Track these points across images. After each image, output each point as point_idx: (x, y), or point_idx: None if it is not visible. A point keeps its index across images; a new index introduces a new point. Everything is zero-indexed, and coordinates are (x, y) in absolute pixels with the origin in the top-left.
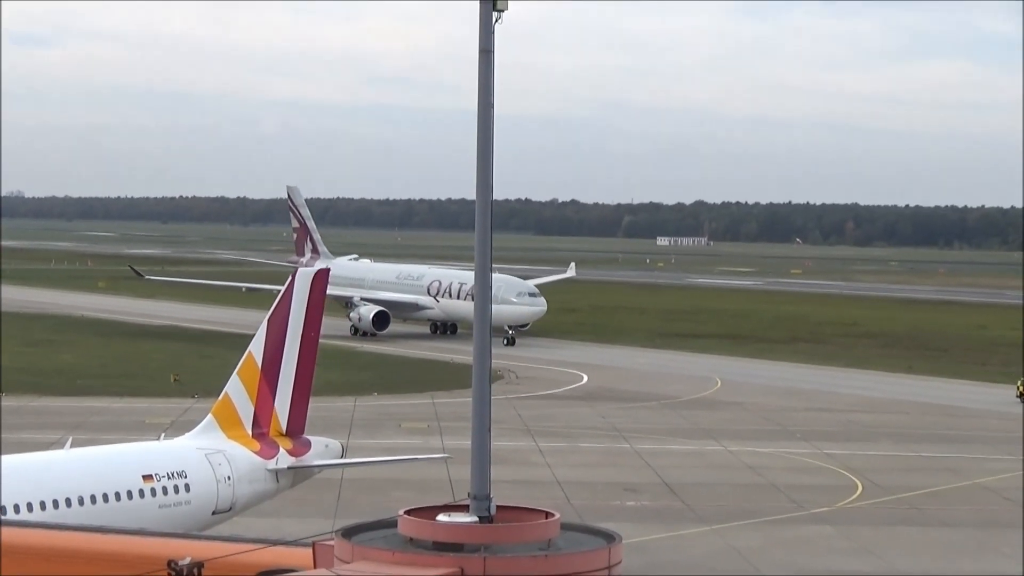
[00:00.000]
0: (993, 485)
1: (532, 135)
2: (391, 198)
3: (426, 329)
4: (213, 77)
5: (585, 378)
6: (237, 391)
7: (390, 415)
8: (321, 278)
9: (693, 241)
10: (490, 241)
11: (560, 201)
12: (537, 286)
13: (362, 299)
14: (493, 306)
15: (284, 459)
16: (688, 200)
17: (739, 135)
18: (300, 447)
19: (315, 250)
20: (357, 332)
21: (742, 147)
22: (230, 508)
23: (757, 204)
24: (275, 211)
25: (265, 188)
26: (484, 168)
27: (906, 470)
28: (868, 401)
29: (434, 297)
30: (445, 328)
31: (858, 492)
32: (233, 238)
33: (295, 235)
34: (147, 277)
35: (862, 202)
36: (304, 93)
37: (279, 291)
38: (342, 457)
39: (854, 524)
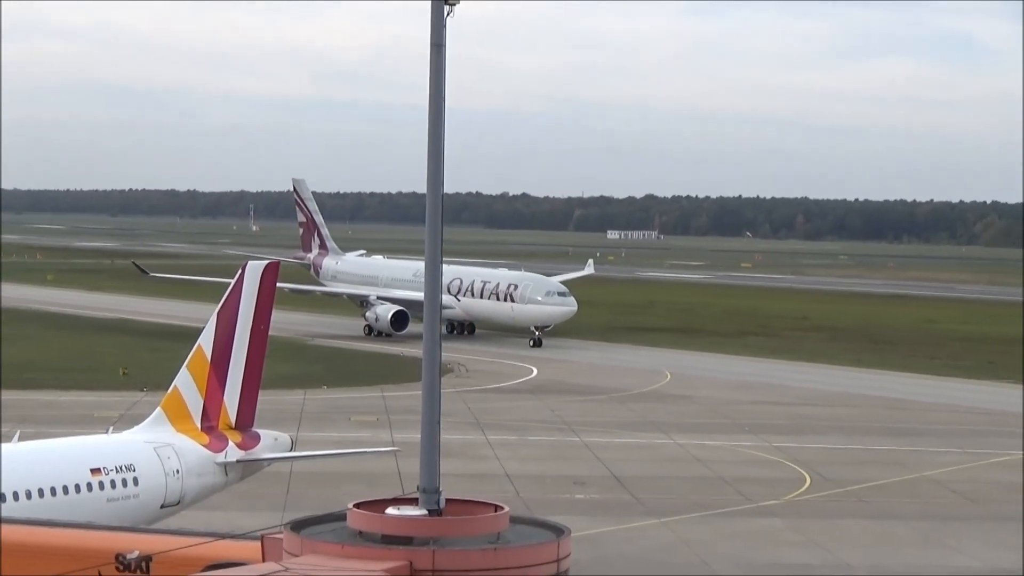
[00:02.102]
0: (940, 478)
1: (483, 129)
2: (342, 191)
3: (442, 329)
4: (164, 72)
5: (535, 371)
6: (186, 384)
7: (340, 408)
8: (271, 271)
9: (643, 235)
10: (440, 234)
11: (511, 195)
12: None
13: (379, 298)
14: (520, 305)
15: (233, 452)
16: (638, 194)
17: (690, 130)
18: (249, 440)
19: (323, 245)
20: (372, 332)
21: (693, 142)
22: (179, 502)
23: (708, 198)
24: (225, 204)
25: (215, 181)
26: (435, 162)
27: (854, 463)
28: (817, 394)
29: (454, 296)
30: (463, 328)
31: (806, 485)
32: (183, 231)
33: (301, 230)
34: (152, 274)
35: (812, 196)
36: (255, 88)
37: (295, 289)
38: (291, 450)
39: (802, 517)
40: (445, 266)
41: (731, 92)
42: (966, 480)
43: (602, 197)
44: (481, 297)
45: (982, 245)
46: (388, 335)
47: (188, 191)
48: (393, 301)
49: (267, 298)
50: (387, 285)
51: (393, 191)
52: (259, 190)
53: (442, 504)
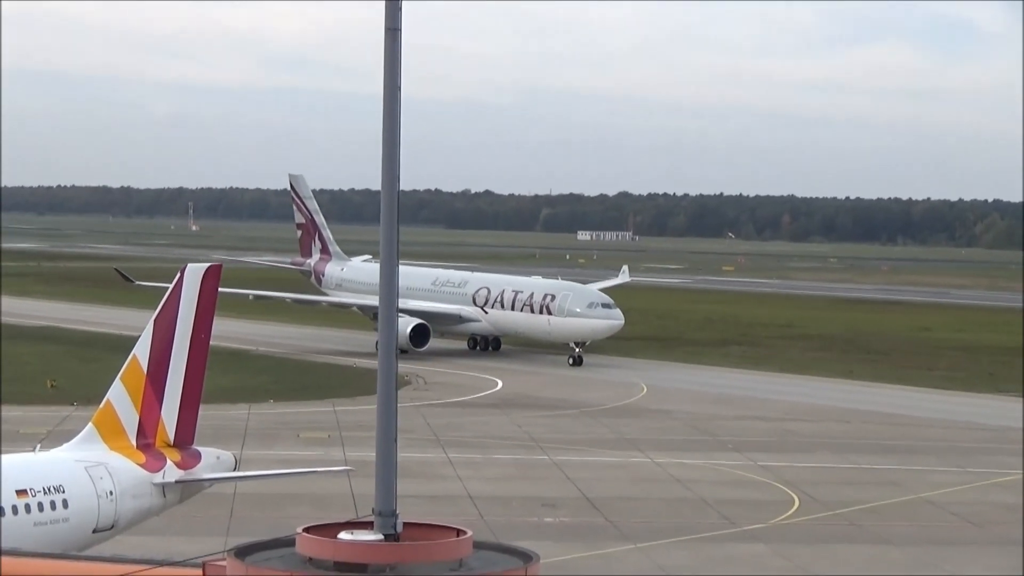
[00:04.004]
0: (938, 499)
1: (443, 121)
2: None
3: (463, 344)
4: (95, 57)
5: (500, 384)
6: (120, 398)
7: (287, 424)
8: (213, 275)
9: (617, 235)
10: (396, 235)
11: (473, 192)
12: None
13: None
14: (558, 318)
15: (171, 472)
16: (611, 191)
17: (666, 123)
18: (189, 459)
19: (325, 250)
20: None
21: (670, 135)
22: (112, 526)
23: (686, 196)
24: (162, 202)
25: (151, 177)
26: (390, 156)
27: (845, 483)
28: (805, 408)
29: (481, 307)
30: (487, 343)
31: (794, 507)
32: (117, 231)
33: (299, 232)
34: (137, 283)
35: (799, 194)
36: (194, 75)
37: (299, 299)
38: (235, 470)
39: (789, 541)
40: (468, 275)
41: (711, 82)
42: (966, 502)
43: (572, 195)
44: (512, 309)
45: (983, 247)
46: (404, 351)
47: (122, 187)
48: (411, 313)
49: (208, 304)
50: (402, 295)
51: (345, 188)
52: (199, 187)
53: (399, 528)
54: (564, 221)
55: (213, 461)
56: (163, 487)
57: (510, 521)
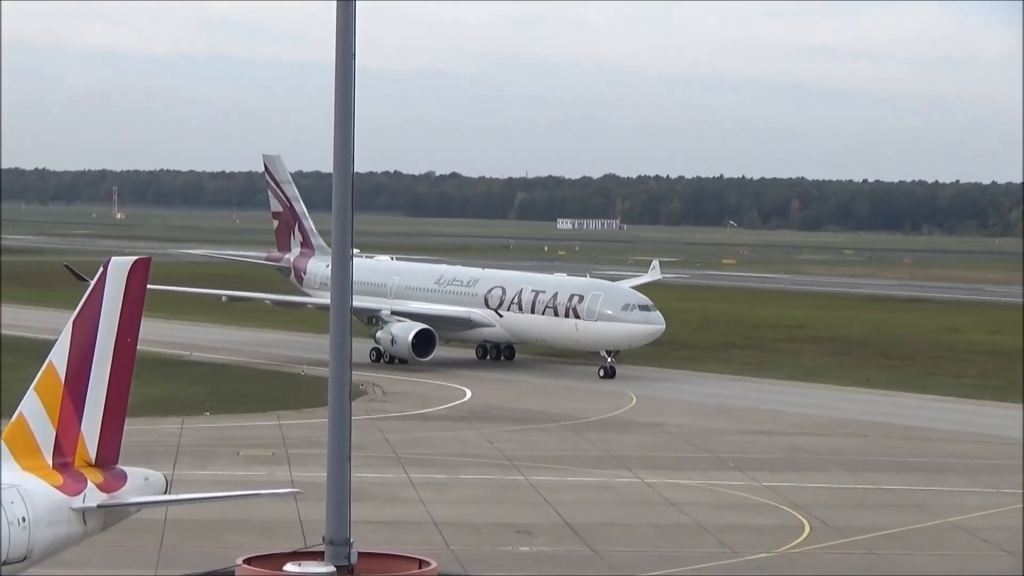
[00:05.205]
0: (967, 524)
1: (404, 94)
2: (227, 170)
3: (470, 352)
4: (3, 22)
5: (469, 393)
6: (35, 411)
7: (226, 440)
8: (141, 269)
9: (602, 224)
10: (351, 224)
11: (438, 175)
12: None
13: (393, 313)
14: (587, 322)
15: (93, 495)
16: (596, 174)
17: (660, 95)
18: (113, 480)
19: (306, 242)
20: (382, 357)
21: (663, 110)
22: (25, 557)
23: (681, 179)
24: (82, 186)
25: (70, 158)
26: (344, 134)
27: (863, 506)
28: (816, 421)
29: (495, 310)
30: (498, 351)
31: (804, 534)
32: (30, 219)
33: (276, 222)
34: (90, 281)
35: (810, 176)
36: (118, 41)
37: (279, 301)
38: (166, 492)
39: (799, 572)
40: (479, 272)
41: (710, 49)
42: (999, 527)
43: (551, 178)
44: (532, 312)
45: (1019, 237)
46: (404, 362)
47: (36, 170)
48: (412, 317)
49: (135, 303)
50: (398, 295)
51: (292, 170)
52: (124, 169)
53: (353, 559)
54: (542, 207)
55: (141, 483)
56: (83, 512)
57: (480, 551)
